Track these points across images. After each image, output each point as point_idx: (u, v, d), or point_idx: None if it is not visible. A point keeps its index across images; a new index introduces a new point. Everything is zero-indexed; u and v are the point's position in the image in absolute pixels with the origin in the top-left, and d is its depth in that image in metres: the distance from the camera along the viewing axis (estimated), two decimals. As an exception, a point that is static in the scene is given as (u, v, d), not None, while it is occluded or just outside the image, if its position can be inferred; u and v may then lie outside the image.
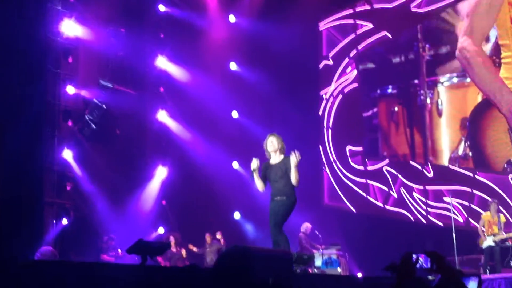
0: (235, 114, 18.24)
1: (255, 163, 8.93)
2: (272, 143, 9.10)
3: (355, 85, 17.09)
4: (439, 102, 15.56)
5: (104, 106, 14.44)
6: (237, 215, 17.96)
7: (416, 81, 15.99)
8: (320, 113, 17.83)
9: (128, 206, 15.44)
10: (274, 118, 17.02)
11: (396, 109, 16.13)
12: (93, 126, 14.41)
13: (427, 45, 15.82)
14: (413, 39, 16.06)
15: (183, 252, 15.89)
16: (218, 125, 17.27)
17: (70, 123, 14.52)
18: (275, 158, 9.15)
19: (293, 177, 8.83)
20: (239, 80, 17.69)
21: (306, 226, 14.86)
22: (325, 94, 17.67)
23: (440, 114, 15.42)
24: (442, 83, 15.86)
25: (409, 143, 15.52)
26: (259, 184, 9.03)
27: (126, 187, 15.52)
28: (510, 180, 14.40)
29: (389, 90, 16.48)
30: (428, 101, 15.64)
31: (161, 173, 17.23)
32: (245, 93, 17.41)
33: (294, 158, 8.73)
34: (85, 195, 14.29)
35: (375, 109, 16.82)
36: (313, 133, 17.32)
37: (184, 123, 17.34)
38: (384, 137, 16.27)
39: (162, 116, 17.49)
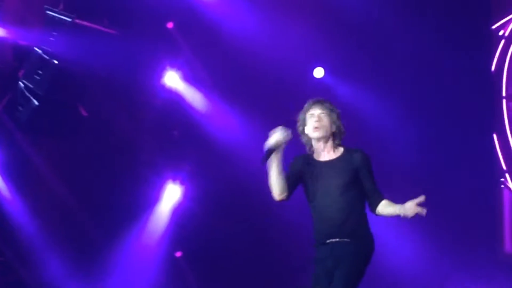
0: (319, 73, 10.93)
1: (282, 134, 5.46)
2: (320, 119, 5.56)
3: None
4: None
5: (55, 62, 10.01)
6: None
7: None
8: (493, 67, 10.58)
9: (107, 261, 10.45)
10: (399, 80, 10.60)
11: None
12: (35, 102, 10.19)
13: None
14: None
15: None
16: (283, 97, 10.64)
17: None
18: (326, 150, 5.60)
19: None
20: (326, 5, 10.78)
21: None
22: (504, 29, 10.55)
23: None
24: None
25: None
26: (276, 183, 5.56)
27: (102, 224, 10.64)
28: None
29: None
30: None
31: (171, 195, 10.75)
32: (340, 29, 10.77)
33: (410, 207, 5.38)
34: (21, 242, 10.44)
35: None
36: (479, 108, 10.51)
37: (215, 93, 10.76)
38: None
39: (172, 80, 10.68)
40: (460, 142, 10.04)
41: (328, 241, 5.52)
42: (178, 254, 10.41)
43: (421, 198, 5.43)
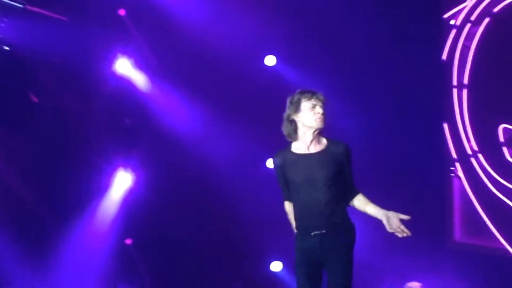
0: (270, 60, 10.81)
1: None
2: (318, 110, 5.46)
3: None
4: None
5: (6, 48, 9.99)
6: (277, 266, 10.96)
7: None
8: (445, 56, 10.53)
9: (57, 249, 10.20)
10: (350, 68, 10.56)
11: None
12: (-14, 89, 10.09)
13: None
14: None
15: None
16: (235, 85, 10.57)
17: None
18: (313, 142, 5.49)
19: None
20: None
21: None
22: (455, 19, 10.51)
23: None
24: None
25: None
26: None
27: (53, 211, 10.44)
28: None
29: None
30: None
31: (121, 183, 10.57)
32: (291, 17, 10.67)
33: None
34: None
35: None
36: (430, 97, 10.49)
37: (166, 80, 10.55)
38: None
39: (124, 67, 10.47)
40: (410, 131, 9.95)
41: (314, 232, 5.49)
42: (128, 241, 10.25)
43: (406, 217, 5.39)
